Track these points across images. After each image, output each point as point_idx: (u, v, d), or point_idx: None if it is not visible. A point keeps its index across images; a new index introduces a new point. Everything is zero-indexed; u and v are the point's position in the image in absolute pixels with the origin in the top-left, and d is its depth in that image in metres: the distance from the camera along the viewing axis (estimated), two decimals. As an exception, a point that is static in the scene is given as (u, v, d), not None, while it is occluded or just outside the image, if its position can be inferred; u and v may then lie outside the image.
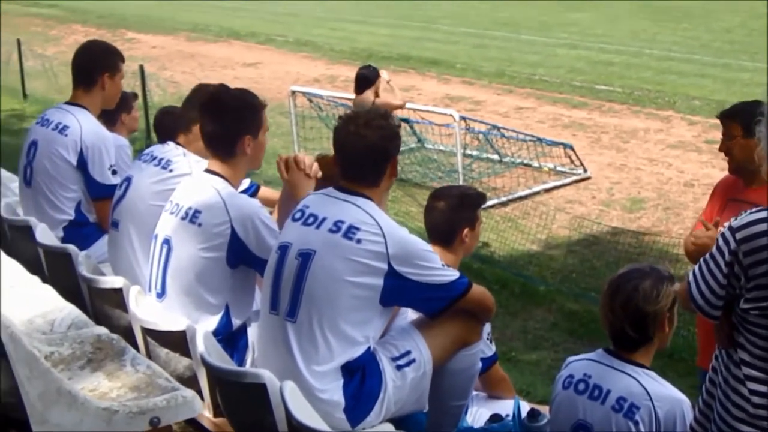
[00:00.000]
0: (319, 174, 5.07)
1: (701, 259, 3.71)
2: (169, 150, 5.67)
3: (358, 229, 4.19)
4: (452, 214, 4.94)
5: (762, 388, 3.54)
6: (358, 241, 4.18)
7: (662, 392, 4.06)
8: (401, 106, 12.79)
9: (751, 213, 3.55)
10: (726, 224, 3.65)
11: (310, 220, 4.32)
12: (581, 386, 4.15)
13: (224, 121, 4.86)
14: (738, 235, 3.52)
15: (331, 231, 4.23)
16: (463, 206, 4.97)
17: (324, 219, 4.28)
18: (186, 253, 4.74)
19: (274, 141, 12.95)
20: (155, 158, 5.64)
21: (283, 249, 4.33)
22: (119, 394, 4.15)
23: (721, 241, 3.60)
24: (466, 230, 4.93)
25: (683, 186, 13.42)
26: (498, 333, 4.98)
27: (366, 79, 12.62)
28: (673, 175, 13.92)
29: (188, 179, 5.10)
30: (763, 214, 3.50)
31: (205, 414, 4.67)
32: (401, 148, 4.73)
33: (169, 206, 4.91)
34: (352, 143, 4.39)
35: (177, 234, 4.78)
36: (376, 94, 12.54)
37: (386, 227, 4.22)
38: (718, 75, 20.24)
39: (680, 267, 7.90)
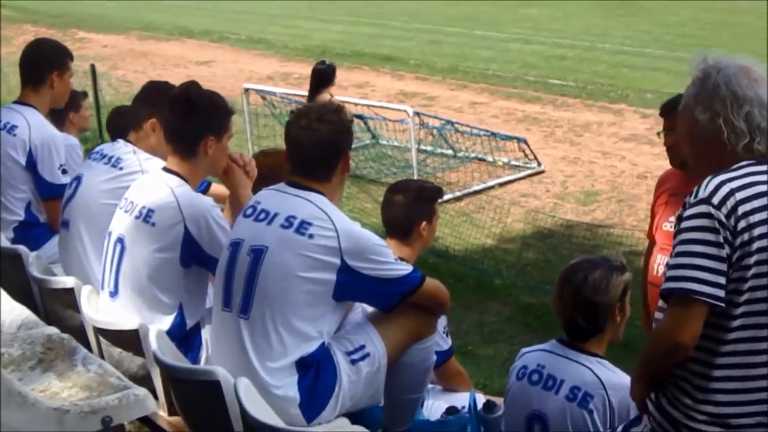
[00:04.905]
0: (255, 172, 5.07)
1: (675, 256, 3.45)
2: (119, 148, 5.60)
3: (310, 224, 4.17)
4: (410, 207, 4.96)
5: None
6: (311, 236, 4.15)
7: (615, 380, 4.09)
8: None
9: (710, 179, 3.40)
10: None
11: (262, 215, 4.29)
12: (535, 377, 4.17)
13: (192, 118, 4.78)
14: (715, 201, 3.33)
15: (283, 227, 4.20)
16: (421, 200, 5.00)
17: (276, 215, 4.25)
18: (139, 252, 4.69)
19: (227, 139, 12.91)
20: (105, 156, 5.57)
21: (235, 245, 4.30)
22: (70, 394, 4.10)
23: (698, 222, 3.38)
24: (423, 224, 4.96)
25: (636, 178, 13.52)
26: (454, 327, 4.99)
27: (324, 75, 12.48)
28: (626, 168, 14.02)
29: (145, 177, 5.04)
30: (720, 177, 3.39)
31: (160, 413, 4.62)
32: (355, 145, 4.74)
33: (124, 203, 4.85)
34: (303, 138, 4.36)
35: (130, 233, 4.73)
36: (330, 94, 12.47)
37: (338, 222, 4.20)
38: (670, 68, 20.36)
39: (633, 259, 7.93)
